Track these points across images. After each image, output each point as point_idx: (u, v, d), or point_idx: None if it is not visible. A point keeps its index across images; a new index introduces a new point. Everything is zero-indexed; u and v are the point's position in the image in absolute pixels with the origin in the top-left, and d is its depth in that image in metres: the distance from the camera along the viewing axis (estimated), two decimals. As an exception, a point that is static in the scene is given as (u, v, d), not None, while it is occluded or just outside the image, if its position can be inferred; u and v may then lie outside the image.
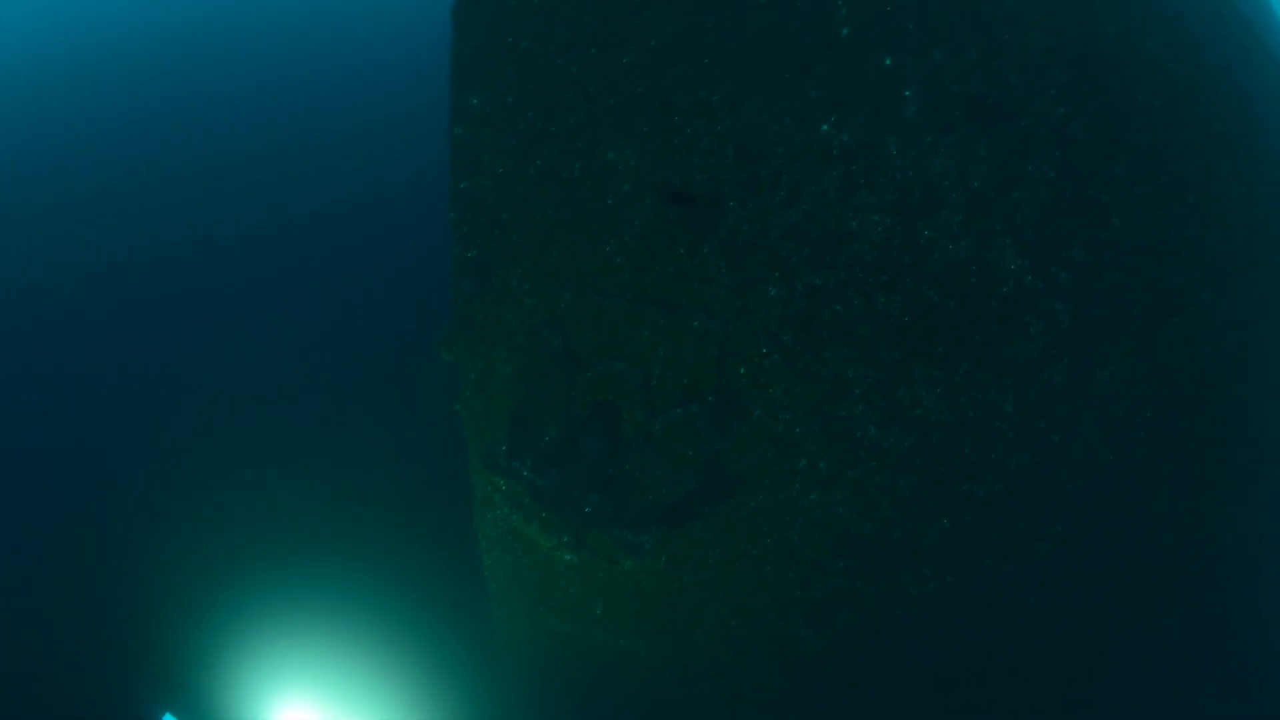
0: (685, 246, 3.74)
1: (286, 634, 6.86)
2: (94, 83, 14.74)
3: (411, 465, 7.72)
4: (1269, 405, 4.50)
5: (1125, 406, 3.91)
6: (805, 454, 3.80)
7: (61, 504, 8.45)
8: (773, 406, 3.76)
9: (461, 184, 4.22)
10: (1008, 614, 4.21)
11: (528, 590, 4.55)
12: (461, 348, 4.32)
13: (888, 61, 3.54)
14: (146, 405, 9.29)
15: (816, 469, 3.82)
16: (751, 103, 3.62)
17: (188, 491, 8.12)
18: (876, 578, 3.99)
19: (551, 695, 4.79)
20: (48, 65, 16.01)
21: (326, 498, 7.77)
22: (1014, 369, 3.72)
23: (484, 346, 4.29)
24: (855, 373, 3.69)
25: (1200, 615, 4.65)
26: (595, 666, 4.53)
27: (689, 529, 3.99)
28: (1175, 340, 3.93)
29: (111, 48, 15.74)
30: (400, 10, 14.08)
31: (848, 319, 3.64)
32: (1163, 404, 3.98)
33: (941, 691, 4.37)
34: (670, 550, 4.08)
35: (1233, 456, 4.41)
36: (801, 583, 4.01)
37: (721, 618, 4.17)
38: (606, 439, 3.87)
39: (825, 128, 3.57)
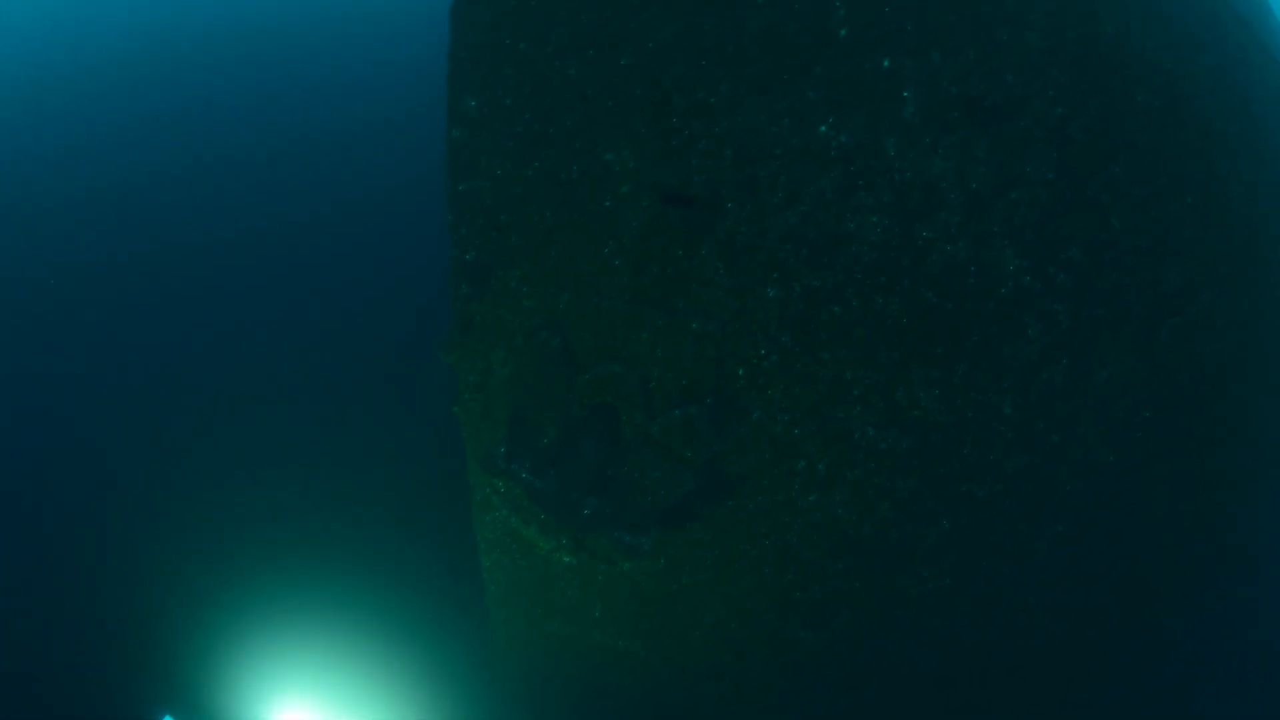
0: (683, 248, 3.74)
1: (286, 635, 6.86)
2: (90, 85, 14.74)
3: (410, 467, 7.73)
4: (1268, 405, 4.50)
5: (1124, 407, 3.91)
6: (804, 455, 3.80)
7: (61, 505, 8.46)
8: (771, 408, 3.76)
9: (459, 186, 4.22)
10: (1007, 614, 4.21)
11: (526, 592, 4.55)
12: (460, 350, 4.32)
13: (886, 63, 3.54)
14: (147, 407, 9.29)
15: (815, 470, 3.81)
16: (750, 104, 3.62)
17: (187, 492, 8.12)
18: (875, 579, 3.99)
19: (550, 697, 4.79)
20: (45, 67, 16.01)
21: (326, 499, 7.77)
22: (1013, 370, 3.71)
23: (483, 348, 4.29)
24: (854, 374, 3.68)
25: (1200, 615, 4.65)
26: (594, 668, 4.53)
27: (688, 530, 3.99)
28: (1174, 340, 3.92)
29: (108, 50, 15.73)
30: (397, 12, 14.08)
31: (846, 320, 3.64)
32: (1162, 404, 3.98)
33: (941, 692, 4.37)
34: (669, 552, 4.08)
35: (1232, 456, 4.41)
36: (800, 584, 4.01)
37: (720, 619, 4.17)
38: (605, 441, 3.87)
39: (823, 129, 3.57)
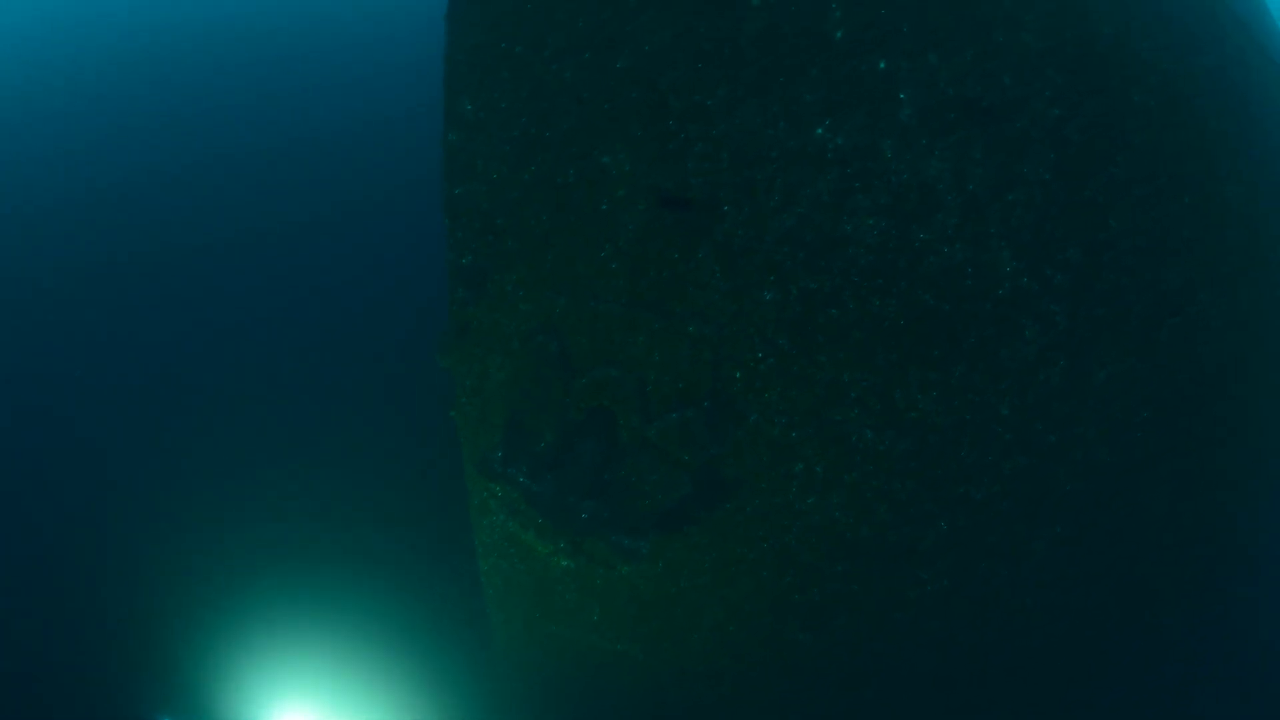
0: (680, 251, 3.73)
1: (284, 638, 6.87)
2: (86, 85, 14.74)
3: (408, 471, 7.73)
4: (1268, 405, 4.50)
5: (1123, 407, 3.91)
6: (801, 458, 3.79)
7: (59, 505, 8.47)
8: (768, 411, 3.76)
9: (455, 190, 4.21)
10: (1006, 615, 4.21)
11: (524, 596, 4.55)
12: (457, 354, 4.32)
13: (882, 64, 3.53)
14: (144, 409, 9.30)
15: (813, 473, 3.81)
16: (746, 107, 3.61)
17: (183, 495, 8.13)
18: (874, 581, 3.99)
19: (549, 700, 4.79)
20: (42, 68, 16.01)
21: (323, 502, 7.78)
22: (1010, 371, 3.71)
23: (479, 352, 4.29)
24: (851, 376, 3.68)
25: (1200, 615, 4.65)
26: (593, 671, 4.53)
27: (686, 534, 3.99)
28: (1173, 341, 3.92)
29: (104, 51, 15.73)
30: (393, 15, 14.08)
31: (843, 323, 3.63)
32: (1161, 404, 3.98)
33: (940, 693, 4.37)
34: (667, 555, 4.08)
35: (1232, 456, 4.41)
36: (799, 586, 4.01)
37: (719, 622, 4.17)
38: (602, 445, 3.87)
39: (820, 131, 3.56)
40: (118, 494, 8.38)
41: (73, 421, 9.27)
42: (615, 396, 3.88)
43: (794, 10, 3.57)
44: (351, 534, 7.45)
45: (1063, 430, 3.85)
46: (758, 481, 3.87)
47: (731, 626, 4.18)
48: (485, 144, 4.16)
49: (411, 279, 9.02)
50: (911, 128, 3.52)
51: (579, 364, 3.97)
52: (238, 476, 8.24)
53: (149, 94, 13.87)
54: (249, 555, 7.52)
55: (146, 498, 8.25)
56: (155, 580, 7.50)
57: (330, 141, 11.81)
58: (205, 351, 9.69)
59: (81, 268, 11.04)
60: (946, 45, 3.52)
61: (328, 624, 6.79)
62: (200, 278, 10.55)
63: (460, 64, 4.18)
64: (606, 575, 4.22)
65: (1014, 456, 3.84)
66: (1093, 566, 4.21)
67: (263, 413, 8.74)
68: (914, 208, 3.53)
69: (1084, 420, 3.86)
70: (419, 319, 8.11)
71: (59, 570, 7.81)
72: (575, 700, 4.70)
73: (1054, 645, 4.34)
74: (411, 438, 7.87)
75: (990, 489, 3.87)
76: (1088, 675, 4.49)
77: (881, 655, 4.20)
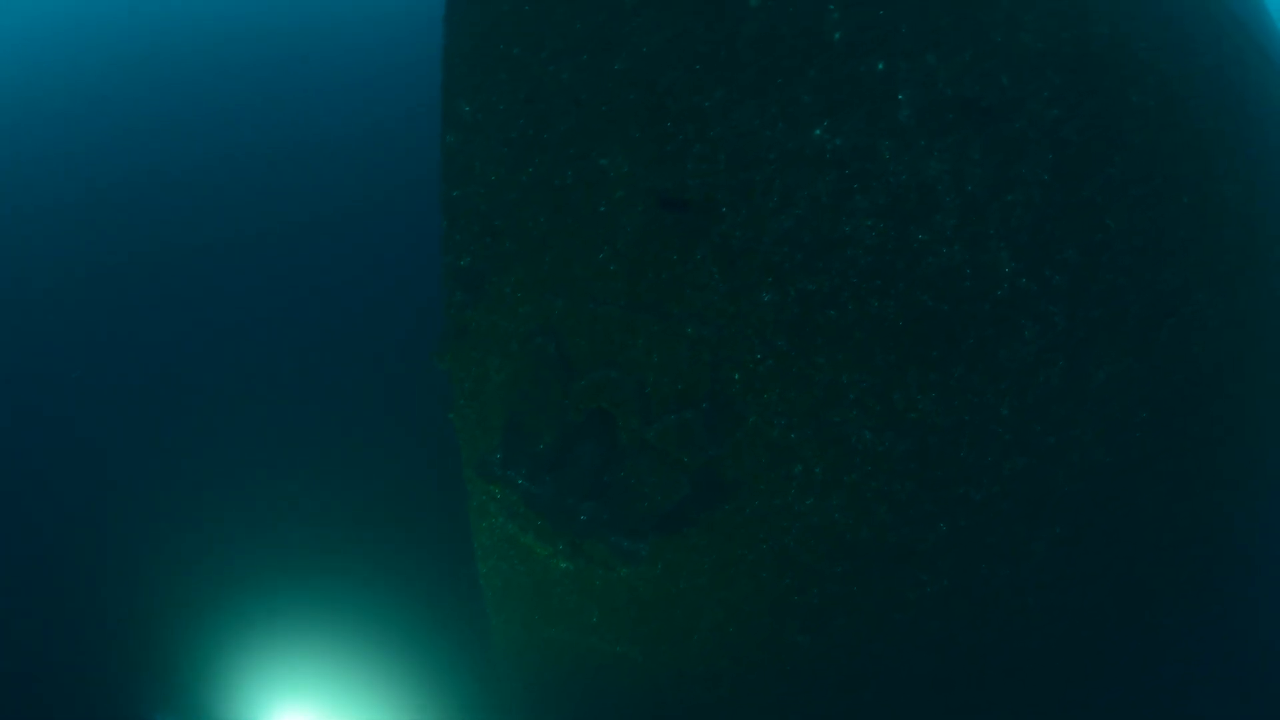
0: (678, 253, 3.73)
1: (282, 640, 6.87)
2: (83, 87, 14.72)
3: (407, 473, 7.73)
4: (1266, 404, 4.50)
5: (1121, 408, 3.91)
6: (801, 459, 3.79)
7: (58, 505, 8.47)
8: (767, 412, 3.75)
9: (453, 192, 4.21)
10: (1005, 616, 4.21)
11: (524, 598, 4.55)
12: (455, 356, 4.31)
13: (880, 65, 3.53)
14: (144, 410, 9.30)
15: (812, 474, 3.81)
16: (744, 108, 3.61)
17: (183, 496, 8.13)
18: (873, 582, 3.98)
19: (548, 702, 4.79)
20: (42, 71, 15.99)
21: (321, 505, 7.78)
22: (1009, 372, 3.71)
23: (478, 354, 4.28)
24: (850, 377, 3.68)
25: (1198, 615, 4.65)
26: (592, 673, 4.53)
27: (685, 535, 3.99)
28: (1171, 341, 3.92)
29: (104, 54, 15.71)
30: (391, 17, 14.07)
31: (842, 324, 3.63)
32: (1159, 405, 3.98)
33: (939, 694, 4.37)
34: (666, 557, 4.08)
35: (1230, 456, 4.41)
36: (798, 588, 4.01)
37: (718, 623, 4.17)
38: (601, 446, 3.86)
39: (818, 132, 3.56)
40: (118, 494, 8.39)
41: (73, 421, 9.27)
42: (614, 398, 3.87)
43: (792, 11, 3.56)
44: (351, 536, 7.45)
45: (1061, 431, 3.85)
46: (757, 483, 3.86)
47: (731, 628, 4.17)
48: (483, 146, 4.15)
49: (410, 281, 9.02)
50: (910, 128, 3.51)
51: (578, 366, 3.97)
52: (237, 478, 8.25)
53: (148, 96, 13.86)
54: (248, 556, 7.53)
55: (146, 498, 8.25)
56: (155, 580, 7.50)
57: (328, 144, 11.81)
58: (204, 353, 9.69)
59: (81, 269, 11.05)
60: (945, 46, 3.52)
61: (327, 625, 6.80)
62: (199, 279, 10.55)
63: (458, 66, 4.18)
64: (605, 577, 4.21)
65: (1013, 457, 3.84)
66: (1091, 567, 4.21)
67: (262, 415, 8.75)
68: (912, 208, 3.53)
69: (1082, 421, 3.86)
70: (417, 321, 8.11)
71: (59, 570, 7.81)
72: (574, 702, 4.69)
73: (1053, 646, 4.34)
74: (410, 440, 7.88)
75: (989, 490, 3.87)
76: (1086, 675, 4.49)
77: (881, 656, 4.20)
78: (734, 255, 3.65)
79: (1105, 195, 3.67)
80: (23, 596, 7.62)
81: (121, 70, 14.83)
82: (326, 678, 6.57)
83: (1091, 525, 4.09)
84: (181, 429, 8.96)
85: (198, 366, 9.54)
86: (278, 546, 7.49)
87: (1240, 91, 4.32)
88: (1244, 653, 4.84)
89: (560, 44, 3.93)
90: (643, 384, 3.83)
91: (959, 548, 3.95)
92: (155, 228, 11.32)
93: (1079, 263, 3.67)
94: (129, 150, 12.74)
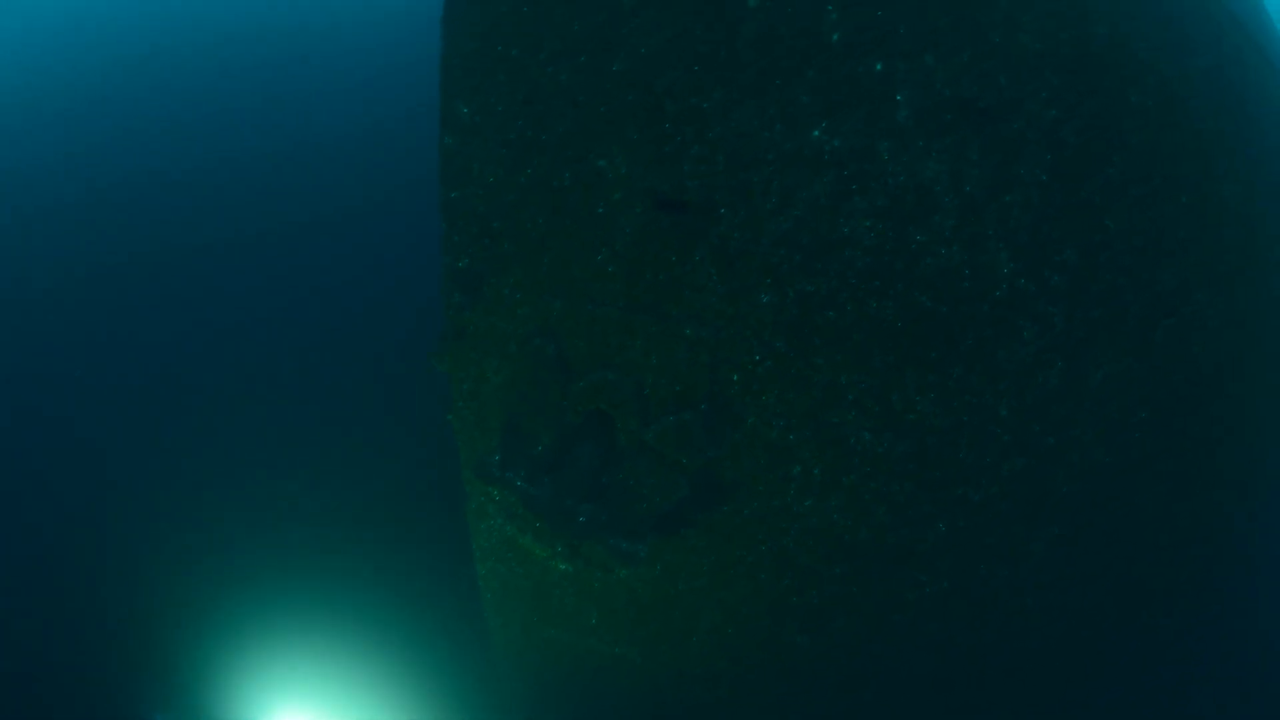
0: (677, 254, 3.73)
1: (281, 642, 6.88)
2: (84, 89, 14.71)
3: (405, 475, 7.74)
4: (1265, 404, 4.50)
5: (1120, 408, 3.91)
6: (799, 460, 3.79)
7: (59, 506, 8.47)
8: (766, 413, 3.75)
9: (452, 193, 4.20)
10: (1004, 617, 4.21)
11: (523, 599, 4.55)
12: (453, 358, 4.31)
13: (879, 66, 3.52)
14: (143, 411, 9.30)
15: (811, 475, 3.81)
16: (742, 109, 3.60)
17: (182, 498, 8.14)
18: (872, 583, 3.98)
19: (547, 703, 4.79)
20: (41, 72, 15.98)
21: (320, 506, 7.79)
22: (1008, 373, 3.70)
23: (476, 356, 4.28)
24: (848, 379, 3.68)
25: (1197, 615, 4.65)
26: (591, 674, 4.53)
27: (683, 537, 3.99)
28: (1170, 341, 3.92)
29: (103, 56, 15.70)
30: (389, 19, 14.06)
31: (840, 325, 3.63)
32: (1158, 405, 3.98)
33: (939, 694, 4.37)
34: (665, 558, 4.08)
35: (1229, 456, 4.41)
36: (797, 589, 4.01)
37: (717, 625, 4.17)
38: (600, 448, 3.86)
39: (816, 133, 3.55)
40: (118, 494, 8.40)
41: (73, 422, 9.27)
42: (612, 399, 3.87)
43: (790, 12, 3.56)
44: (350, 536, 7.46)
45: (1060, 431, 3.84)
46: (755, 484, 3.86)
47: (730, 629, 4.17)
48: (481, 147, 4.14)
49: (408, 283, 9.02)
50: (908, 129, 3.51)
51: (576, 367, 3.97)
52: (237, 479, 8.26)
53: (147, 97, 13.85)
54: (248, 557, 7.53)
55: (146, 499, 8.26)
56: (155, 580, 7.51)
57: (326, 145, 11.80)
58: (203, 354, 9.69)
59: (80, 270, 11.04)
60: (943, 46, 3.52)
61: (325, 627, 6.80)
62: (197, 281, 10.55)
63: (456, 68, 4.17)
64: (604, 578, 4.21)
65: (1012, 458, 3.83)
66: (1090, 567, 4.21)
67: (261, 416, 8.75)
68: (911, 209, 3.52)
69: (1081, 421, 3.86)
70: (416, 323, 8.12)
71: (59, 570, 7.82)
72: (573, 703, 4.69)
73: (1052, 646, 4.34)
74: (409, 441, 7.88)
75: (988, 490, 3.87)
76: (1086, 676, 4.49)
77: (880, 657, 4.20)
78: (732, 256, 3.65)
79: (1104, 196, 3.66)
80: (23, 596, 7.62)
81: (118, 72, 14.83)
82: (325, 679, 6.58)
83: (1091, 525, 4.09)
84: (181, 430, 8.97)
85: (197, 367, 9.55)
86: (277, 547, 7.50)
87: (1239, 91, 4.31)
88: (1244, 653, 4.84)
89: (558, 45, 3.92)
90: (641, 385, 3.83)
91: (958, 548, 3.95)
92: (153, 229, 11.32)
93: (1078, 263, 3.66)
94: (126, 151, 12.74)
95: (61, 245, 11.56)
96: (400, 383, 8.38)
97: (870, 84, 3.52)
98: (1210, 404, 4.16)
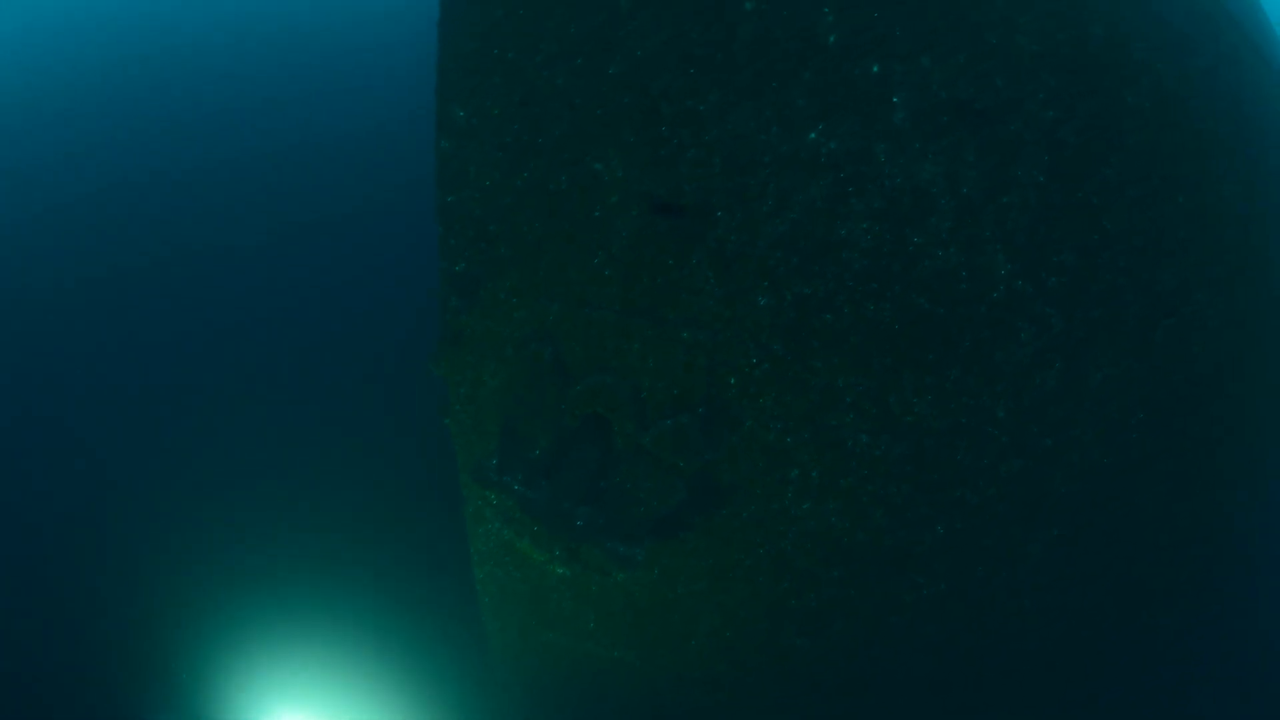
0: (673, 257, 3.72)
1: (278, 646, 6.88)
2: (83, 91, 14.70)
3: (403, 479, 7.74)
4: (1265, 405, 4.49)
5: (1119, 409, 3.90)
6: (797, 463, 3.79)
7: (59, 506, 8.47)
8: (763, 416, 3.74)
9: (448, 197, 4.19)
10: (1003, 618, 4.21)
11: (520, 603, 4.54)
12: (450, 361, 4.30)
13: (875, 68, 3.52)
14: (142, 413, 9.30)
15: (809, 478, 3.80)
16: (739, 112, 3.60)
17: (181, 501, 8.14)
18: (870, 586, 3.98)
19: (545, 708, 4.79)
20: (39, 74, 15.97)
21: (318, 510, 7.78)
22: (1006, 374, 3.70)
23: (473, 360, 4.27)
24: (846, 381, 3.67)
25: (1196, 616, 4.65)
26: (589, 678, 4.53)
27: (681, 540, 3.98)
28: (1169, 342, 3.91)
29: (101, 57, 15.69)
30: (385, 23, 14.04)
31: (838, 328, 3.62)
32: (1157, 405, 3.97)
33: (938, 696, 4.36)
34: (663, 562, 4.07)
35: (1228, 456, 4.40)
36: (795, 592, 4.00)
37: (715, 628, 4.17)
38: (597, 452, 3.86)
39: (813, 136, 3.54)
40: (118, 495, 8.39)
41: (73, 423, 9.27)
42: (610, 403, 3.86)
43: (786, 15, 3.55)
44: (347, 541, 7.45)
45: (1059, 433, 3.84)
46: (753, 487, 3.86)
47: (728, 632, 4.17)
48: (477, 151, 4.14)
49: (405, 286, 9.01)
50: (905, 131, 3.50)
51: (573, 371, 3.96)
52: (235, 482, 8.25)
53: (144, 99, 13.83)
54: (246, 560, 7.53)
55: (146, 500, 8.26)
56: (155, 581, 7.51)
57: (323, 149, 11.78)
58: (199, 357, 9.68)
59: (79, 271, 11.03)
60: (940, 48, 3.51)
61: (323, 631, 6.80)
62: (193, 283, 10.53)
63: (452, 71, 4.16)
64: (602, 582, 4.21)
65: (1010, 459, 3.83)
66: (1089, 568, 4.21)
67: (259, 419, 8.74)
68: (908, 211, 3.52)
69: (1080, 422, 3.85)
70: (412, 327, 8.11)
71: (59, 570, 7.82)
72: (572, 707, 4.69)
73: (1051, 647, 4.34)
74: (406, 445, 7.88)
75: (986, 492, 3.86)
76: (1085, 677, 4.49)
77: (879, 659, 4.20)
78: (729, 259, 3.64)
79: (1102, 196, 3.66)
80: (23, 596, 7.62)
81: (114, 75, 14.81)
82: (323, 682, 6.58)
83: (1089, 527, 4.09)
84: (179, 433, 8.96)
85: (194, 370, 9.54)
86: (276, 550, 7.49)
87: (1237, 90, 4.30)
88: (1243, 653, 4.84)
89: (555, 48, 3.91)
90: (638, 389, 3.83)
91: (956, 550, 3.95)
92: (151, 231, 11.30)
93: (1076, 264, 3.66)
94: (124, 154, 12.72)
95: (60, 245, 11.55)
96: (397, 386, 8.38)
97: (866, 86, 3.51)
98: (1209, 404, 4.15)
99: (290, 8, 15.54)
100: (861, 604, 4.02)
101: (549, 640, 4.54)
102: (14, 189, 12.82)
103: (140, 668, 7.02)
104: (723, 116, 3.61)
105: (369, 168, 11.03)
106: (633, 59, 3.74)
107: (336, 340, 9.35)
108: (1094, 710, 4.56)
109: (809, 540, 3.89)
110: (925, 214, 3.51)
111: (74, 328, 10.34)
